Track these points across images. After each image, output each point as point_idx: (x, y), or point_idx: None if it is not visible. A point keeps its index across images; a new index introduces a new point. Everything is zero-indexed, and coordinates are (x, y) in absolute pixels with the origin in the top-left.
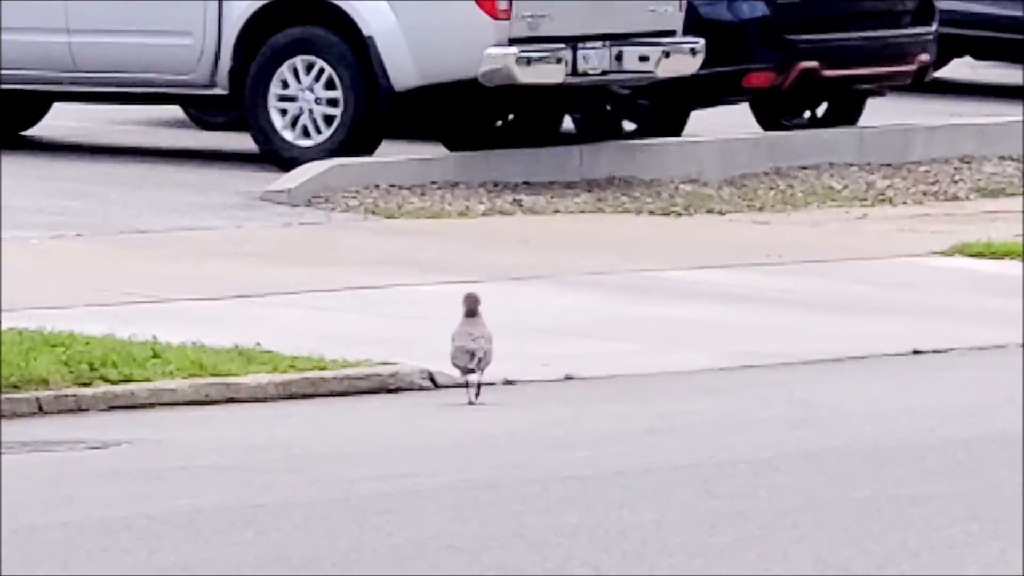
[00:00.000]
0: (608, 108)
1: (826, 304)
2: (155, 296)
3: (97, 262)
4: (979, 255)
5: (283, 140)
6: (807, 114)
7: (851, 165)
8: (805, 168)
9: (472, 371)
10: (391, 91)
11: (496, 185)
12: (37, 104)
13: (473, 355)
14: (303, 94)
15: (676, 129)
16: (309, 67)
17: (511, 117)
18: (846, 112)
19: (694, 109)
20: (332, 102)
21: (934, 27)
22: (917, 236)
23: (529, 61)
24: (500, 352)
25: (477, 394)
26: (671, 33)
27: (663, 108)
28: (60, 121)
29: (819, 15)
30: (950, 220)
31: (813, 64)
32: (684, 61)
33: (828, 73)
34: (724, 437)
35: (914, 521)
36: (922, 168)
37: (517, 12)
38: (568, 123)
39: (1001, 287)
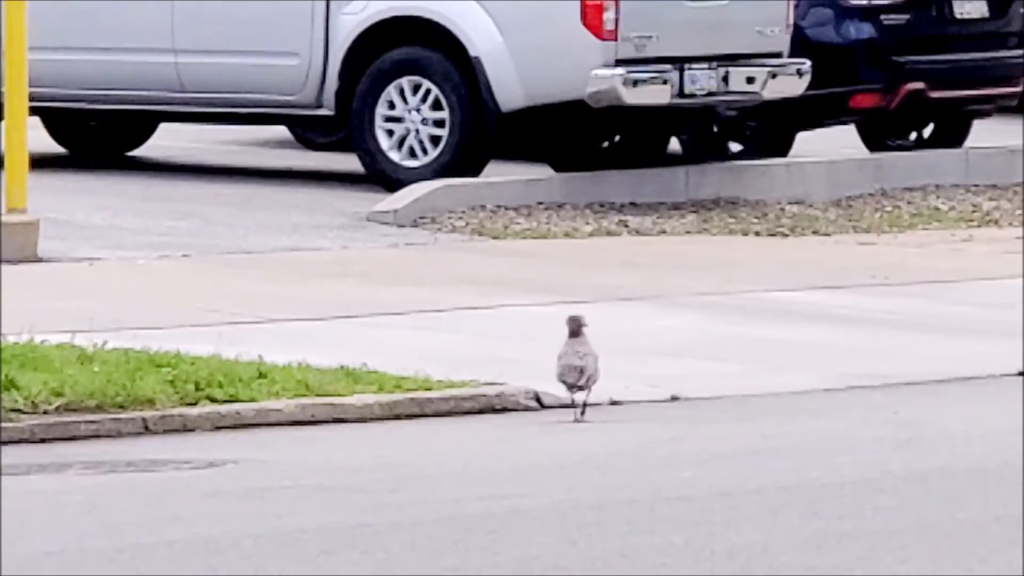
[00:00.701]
0: (715, 129)
1: (932, 325)
2: (261, 316)
3: (203, 282)
4: None
5: (389, 161)
6: (913, 135)
7: (957, 186)
8: (911, 189)
9: (580, 388)
10: (498, 112)
11: (602, 206)
12: (144, 124)
13: (582, 372)
14: (409, 115)
15: (782, 150)
16: (416, 88)
17: (617, 138)
18: (952, 133)
19: (800, 130)
20: (439, 123)
21: None
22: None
23: (636, 82)
24: (606, 372)
25: (583, 412)
26: (778, 54)
27: (769, 129)
28: (167, 141)
29: (925, 36)
30: None
31: (919, 85)
32: (791, 82)
33: (934, 94)
34: (829, 458)
35: (1019, 542)
36: None
37: (624, 33)
38: (675, 144)
39: None
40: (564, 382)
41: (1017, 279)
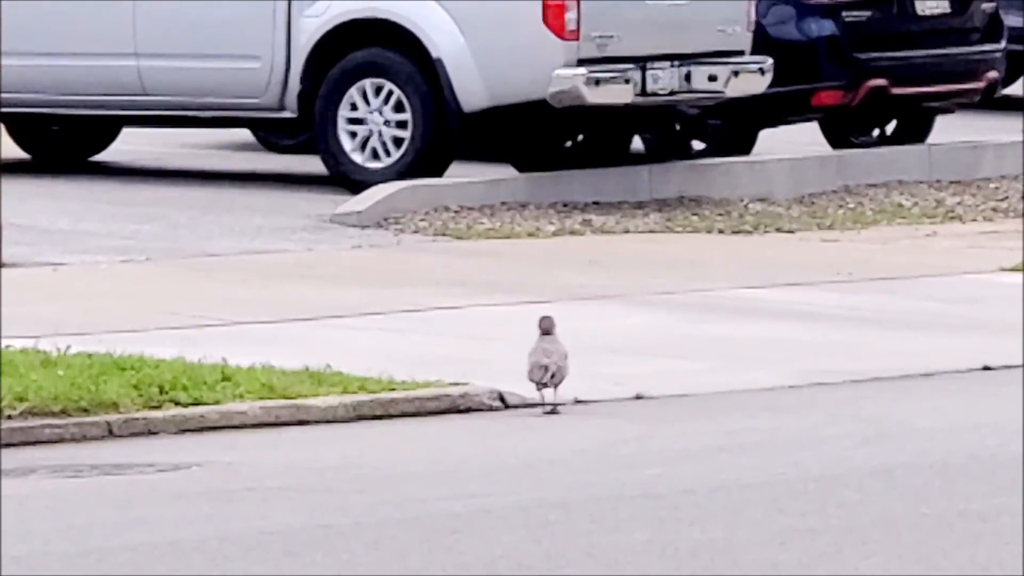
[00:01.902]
0: (677, 128)
1: (895, 321)
2: (225, 319)
3: (167, 285)
4: None
5: (352, 162)
6: (876, 132)
7: (920, 182)
8: (874, 186)
9: (546, 385)
10: (460, 113)
11: (565, 205)
12: (106, 129)
13: (547, 369)
14: (372, 116)
15: (745, 148)
16: (378, 89)
17: (580, 138)
18: (915, 129)
19: (763, 128)
20: (401, 124)
21: (1003, 44)
22: (987, 253)
23: (598, 82)
24: (571, 371)
25: (553, 409)
26: (739, 53)
27: (732, 127)
28: (129, 146)
29: (887, 33)
30: (1019, 236)
31: (882, 82)
32: (753, 80)
33: (897, 91)
34: (794, 454)
35: (984, 537)
36: (991, 185)
37: (586, 33)
38: (637, 143)
39: None
40: (532, 380)
41: (980, 274)
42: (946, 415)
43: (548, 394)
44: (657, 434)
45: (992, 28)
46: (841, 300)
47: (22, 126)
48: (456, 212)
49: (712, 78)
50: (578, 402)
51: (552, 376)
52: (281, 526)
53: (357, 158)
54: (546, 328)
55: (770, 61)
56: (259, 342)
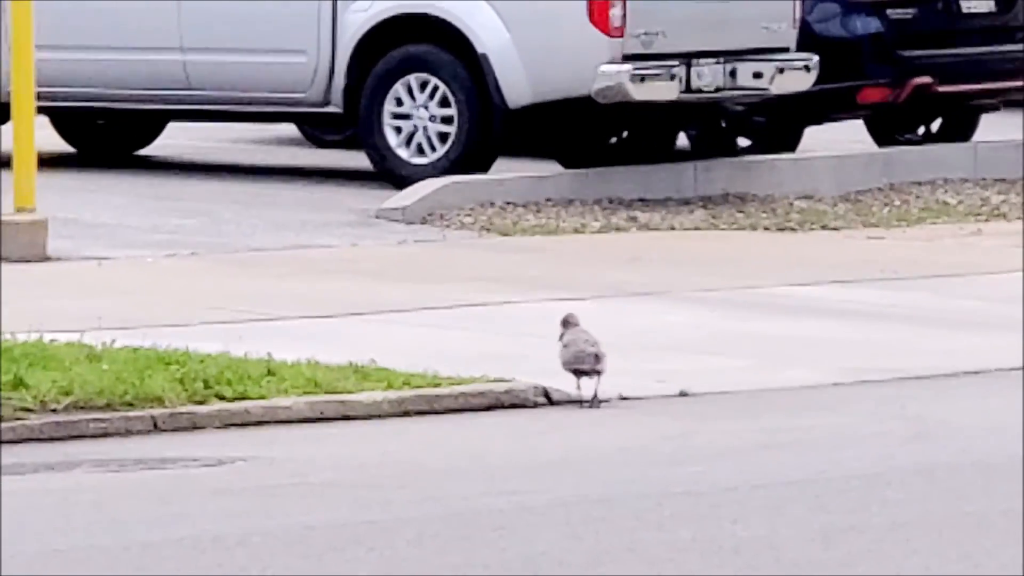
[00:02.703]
0: (722, 125)
1: (939, 319)
2: (270, 314)
3: (211, 280)
4: None
5: (398, 158)
6: (921, 130)
7: (965, 180)
8: (919, 184)
9: (591, 374)
10: (505, 109)
11: (611, 202)
12: (152, 123)
13: (597, 357)
14: (417, 112)
15: (790, 145)
16: (423, 85)
17: (625, 134)
18: (960, 127)
19: (808, 125)
20: (446, 120)
21: None
22: None
23: (643, 78)
24: (614, 368)
25: (592, 404)
26: (785, 50)
27: (777, 124)
28: (175, 140)
29: (933, 31)
30: None
31: (927, 80)
32: (798, 77)
33: (942, 88)
34: (836, 452)
35: None
36: None
37: (631, 29)
38: (683, 140)
39: None
40: (579, 369)
41: None
42: (989, 414)
43: (586, 384)
44: (700, 431)
45: None
46: (885, 298)
47: (68, 120)
48: (501, 208)
49: (757, 75)
50: (622, 399)
51: (601, 362)
52: (324, 522)
53: (402, 153)
54: (572, 321)
55: (815, 58)
56: (304, 337)
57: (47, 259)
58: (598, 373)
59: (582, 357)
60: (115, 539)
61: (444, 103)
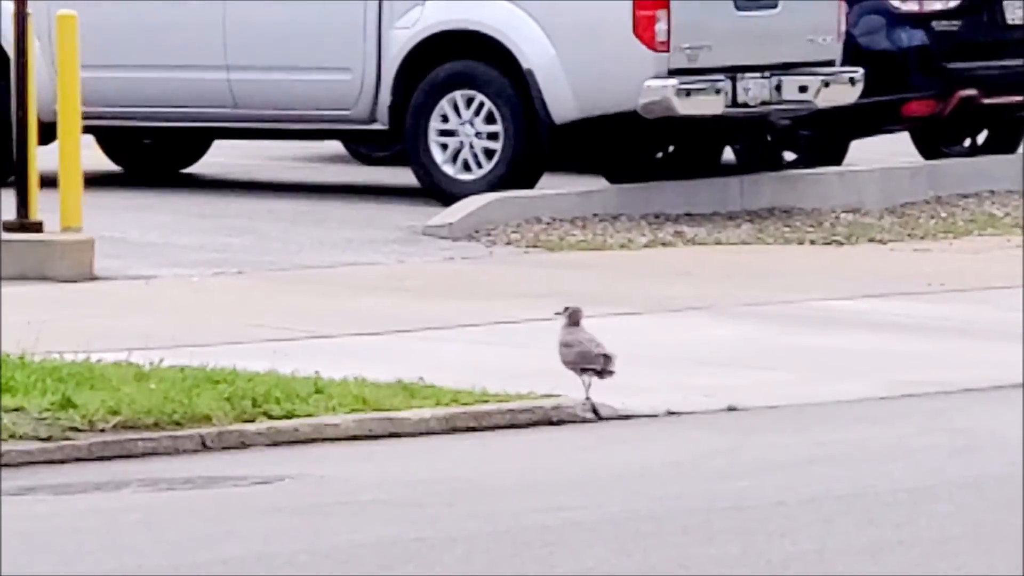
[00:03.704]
0: (768, 138)
1: (987, 331)
2: (317, 331)
3: (258, 298)
4: None
5: (444, 174)
6: (967, 142)
7: (1011, 192)
8: (966, 196)
9: (601, 374)
10: (551, 124)
11: (657, 217)
12: (197, 141)
13: (608, 358)
14: (463, 128)
15: (836, 158)
16: (469, 101)
17: (671, 149)
18: (1006, 139)
19: (854, 138)
20: (492, 136)
21: None
22: None
23: (689, 92)
24: (663, 383)
25: (592, 408)
26: (830, 63)
27: (823, 138)
28: (220, 158)
29: (977, 43)
30: None
31: (972, 92)
32: (844, 91)
33: (987, 101)
34: (885, 466)
35: None
36: None
37: (676, 44)
38: (729, 154)
39: None
40: (589, 369)
41: None
42: None
43: (587, 380)
44: (748, 445)
45: None
46: (932, 310)
47: (114, 139)
48: (548, 224)
49: (803, 89)
50: (670, 413)
51: (611, 362)
52: (373, 539)
53: (448, 170)
54: (576, 319)
55: (861, 71)
56: (351, 355)
57: (94, 278)
58: (610, 373)
59: (588, 359)
60: (164, 559)
61: (490, 119)
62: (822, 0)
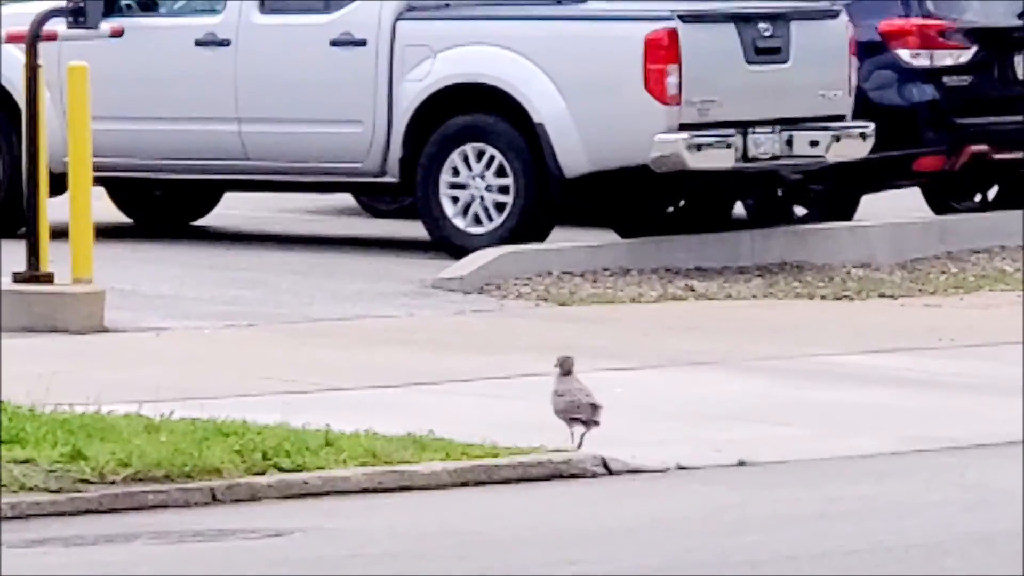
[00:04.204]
0: (779, 193)
1: (998, 387)
2: (327, 384)
3: (269, 351)
4: None
5: (454, 227)
6: (977, 197)
7: (1022, 248)
8: (976, 251)
9: (596, 423)
10: (562, 178)
11: (668, 271)
12: (209, 193)
13: (595, 407)
14: (474, 181)
15: (847, 213)
16: (480, 154)
17: (682, 203)
18: (1017, 194)
19: (865, 193)
20: (503, 189)
21: None
22: None
23: (699, 147)
24: (673, 437)
25: (580, 444)
26: (841, 117)
27: (834, 192)
28: (231, 210)
29: (988, 98)
30: None
31: (983, 147)
32: (854, 145)
33: (998, 156)
34: (896, 521)
35: None
36: None
37: (687, 98)
38: (739, 208)
39: None
40: (575, 418)
41: None
42: None
43: (579, 431)
44: (759, 500)
45: None
46: (943, 366)
47: (124, 191)
48: (559, 278)
49: (814, 143)
50: (680, 468)
51: (598, 412)
52: None
53: (459, 223)
54: (568, 368)
55: (872, 126)
56: (362, 408)
57: (104, 330)
58: (596, 424)
59: (577, 408)
60: None
61: (501, 172)
62: (833, 55)
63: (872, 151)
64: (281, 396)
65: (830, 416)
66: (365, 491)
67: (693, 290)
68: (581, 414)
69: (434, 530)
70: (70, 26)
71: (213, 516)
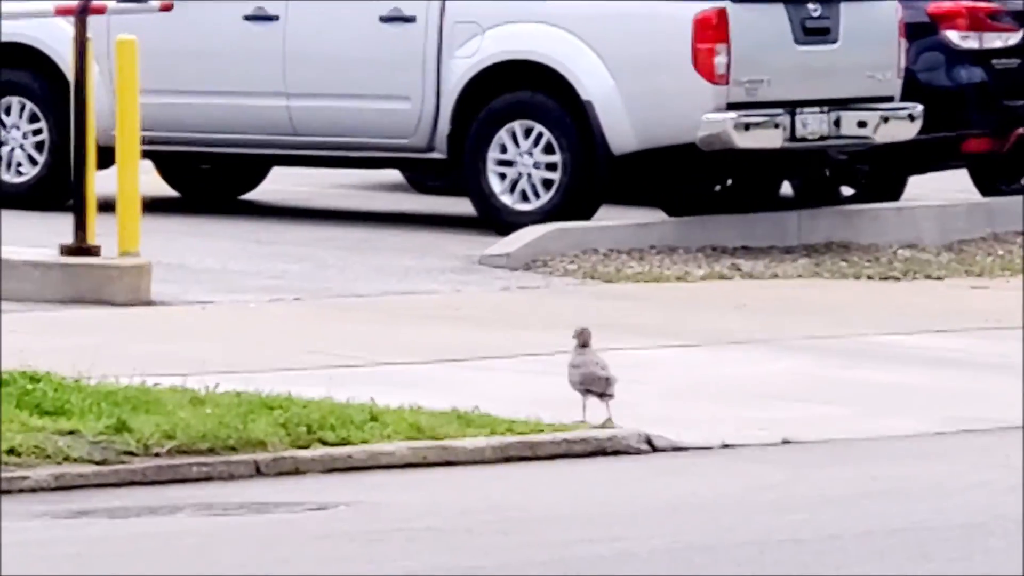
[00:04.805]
0: (826, 173)
1: None
2: (372, 359)
3: (314, 325)
4: None
5: (502, 204)
6: None
7: None
8: (1023, 233)
9: (610, 396)
10: (609, 155)
11: (714, 250)
12: (256, 168)
13: (608, 381)
14: (522, 158)
15: (894, 194)
16: (528, 131)
17: (729, 182)
18: None
19: (912, 174)
20: (551, 166)
21: None
22: None
23: (747, 126)
24: (718, 416)
25: (606, 422)
26: (889, 99)
27: (881, 173)
28: (279, 185)
29: None
30: None
31: None
32: (902, 126)
33: None
34: (939, 501)
35: None
36: None
37: (736, 77)
38: (786, 188)
39: None
40: (590, 391)
41: None
42: None
43: (594, 405)
44: (802, 479)
45: None
46: (988, 347)
47: (172, 165)
48: (605, 255)
49: (861, 124)
50: (724, 446)
51: (611, 386)
52: (426, 567)
53: (506, 200)
54: (585, 340)
55: (920, 107)
56: (406, 383)
57: (151, 303)
58: (610, 396)
59: (590, 380)
60: None
61: (548, 150)
62: (882, 36)
63: (920, 132)
64: (326, 370)
65: (874, 396)
66: (409, 466)
67: (739, 269)
68: (595, 387)
69: (477, 506)
70: (120, 0)
71: (257, 489)
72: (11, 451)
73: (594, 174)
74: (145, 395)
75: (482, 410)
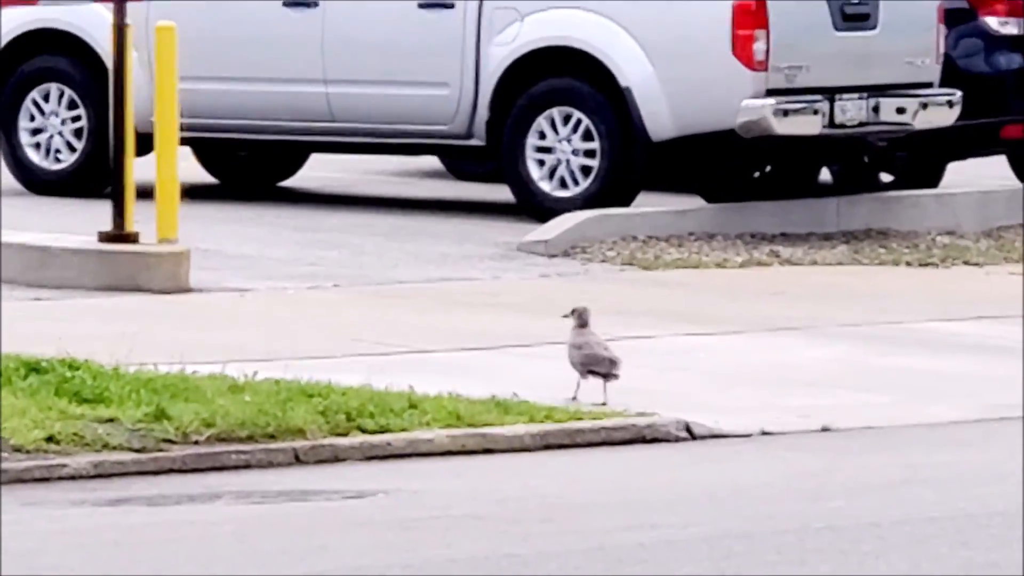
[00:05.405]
0: (865, 160)
1: None
2: (411, 346)
3: (353, 313)
4: None
5: (540, 191)
6: None
7: None
8: None
9: (615, 376)
10: (648, 142)
11: (753, 236)
12: (294, 155)
13: (613, 362)
14: (560, 145)
15: (933, 181)
16: (566, 118)
17: (768, 168)
18: None
19: (951, 161)
20: (589, 153)
21: None
22: None
23: (786, 113)
24: (757, 403)
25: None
26: (928, 85)
27: (920, 160)
28: (317, 172)
29: None
30: None
31: None
32: (941, 113)
33: None
34: (979, 489)
35: None
36: None
37: (774, 63)
38: (825, 174)
39: None
40: (594, 371)
41: None
42: None
43: (594, 385)
44: (842, 467)
45: None
46: None
47: (210, 151)
48: (644, 242)
49: (900, 110)
50: (764, 433)
51: (617, 367)
52: (466, 555)
53: (545, 187)
54: (584, 320)
55: (959, 94)
56: (445, 370)
57: (189, 290)
58: (615, 377)
59: (596, 361)
60: (257, 571)
61: (587, 136)
62: (921, 22)
63: (959, 119)
64: (365, 358)
65: (913, 383)
66: (448, 453)
67: (778, 256)
68: (600, 367)
69: (516, 493)
70: None
71: (296, 477)
72: (50, 439)
73: (633, 160)
74: (184, 383)
75: (521, 397)
